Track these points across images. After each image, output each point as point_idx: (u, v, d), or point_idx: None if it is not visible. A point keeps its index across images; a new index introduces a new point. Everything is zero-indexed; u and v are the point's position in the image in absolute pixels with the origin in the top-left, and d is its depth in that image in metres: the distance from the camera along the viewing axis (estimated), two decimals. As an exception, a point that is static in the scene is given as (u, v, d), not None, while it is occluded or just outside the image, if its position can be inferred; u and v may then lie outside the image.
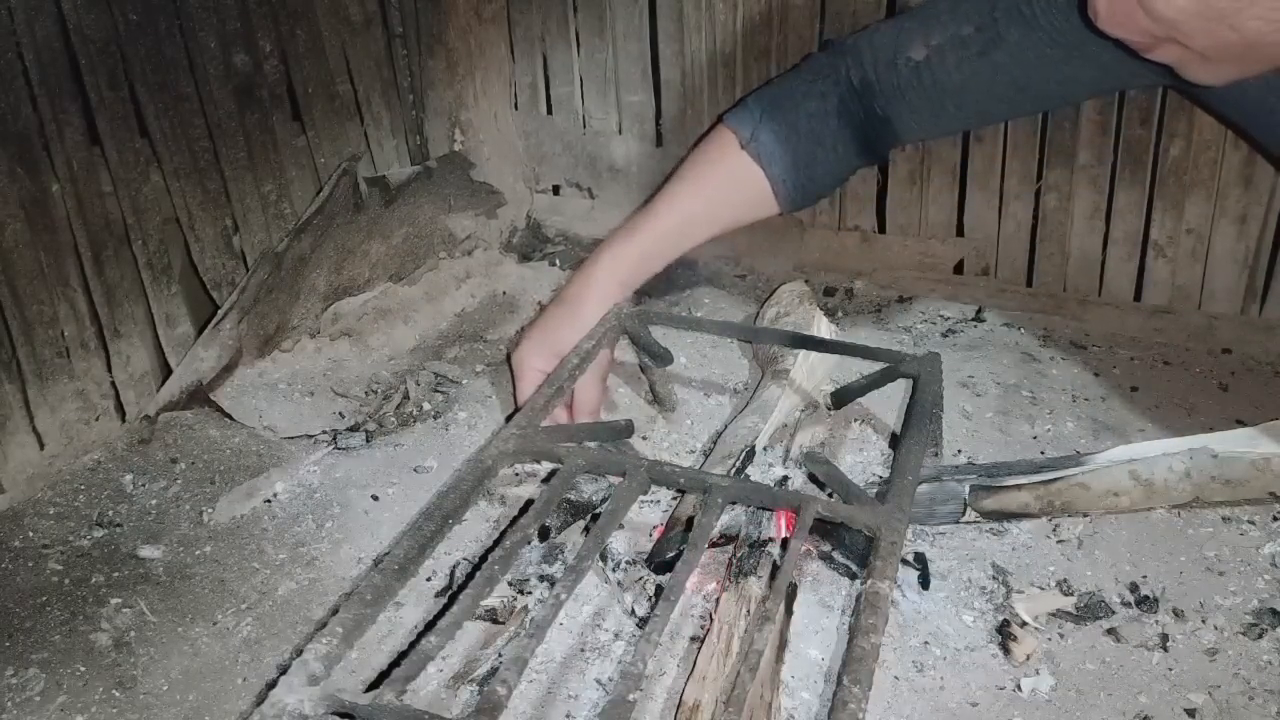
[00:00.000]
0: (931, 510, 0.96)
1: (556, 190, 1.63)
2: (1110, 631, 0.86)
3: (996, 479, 0.97)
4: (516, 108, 1.60)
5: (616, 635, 0.86)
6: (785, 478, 1.03)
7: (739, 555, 0.89)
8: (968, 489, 0.96)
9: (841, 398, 1.08)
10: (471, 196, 1.51)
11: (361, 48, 1.37)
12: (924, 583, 0.90)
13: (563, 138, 1.59)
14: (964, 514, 0.96)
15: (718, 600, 0.85)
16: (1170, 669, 0.83)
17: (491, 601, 0.86)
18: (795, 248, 1.48)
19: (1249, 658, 0.83)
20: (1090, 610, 0.87)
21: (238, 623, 0.90)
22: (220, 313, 1.19)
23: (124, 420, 1.15)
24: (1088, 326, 1.31)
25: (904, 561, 0.91)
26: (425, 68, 1.46)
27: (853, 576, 0.91)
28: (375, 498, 1.05)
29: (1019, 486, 0.96)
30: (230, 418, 1.17)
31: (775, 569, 0.87)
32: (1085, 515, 0.97)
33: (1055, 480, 0.96)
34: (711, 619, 0.84)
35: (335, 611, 0.77)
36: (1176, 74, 0.86)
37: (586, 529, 0.96)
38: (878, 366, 1.07)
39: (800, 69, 1.14)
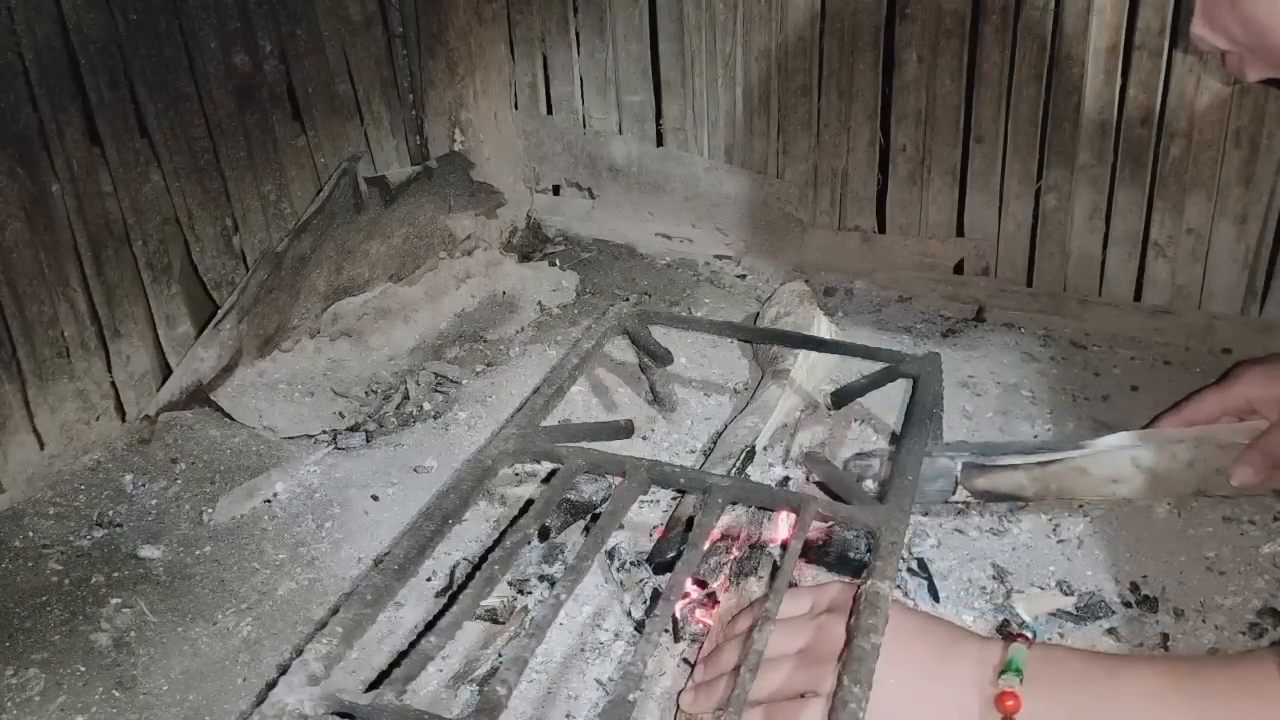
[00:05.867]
0: (920, 488, 0.93)
1: (556, 190, 1.63)
2: (1110, 631, 0.86)
3: (991, 458, 0.96)
4: (516, 108, 1.60)
5: (616, 635, 0.86)
6: (786, 478, 1.03)
7: (739, 555, 0.89)
8: (960, 466, 0.95)
9: (841, 398, 1.08)
10: (471, 196, 1.51)
11: (361, 48, 1.37)
12: (934, 595, 0.89)
13: (563, 138, 1.59)
14: (954, 492, 0.95)
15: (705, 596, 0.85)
16: (1170, 669, 0.82)
17: (491, 601, 0.86)
18: (795, 248, 1.48)
19: (1249, 658, 0.83)
20: (1090, 610, 0.87)
21: (238, 623, 0.90)
22: (220, 313, 1.19)
23: (124, 420, 1.15)
24: (1088, 326, 1.31)
25: (912, 571, 0.91)
26: (425, 68, 1.46)
27: (855, 574, 0.91)
28: (375, 498, 1.05)
29: (1014, 467, 0.95)
30: (230, 418, 1.17)
31: (775, 569, 0.87)
32: (1081, 505, 0.97)
33: (1052, 463, 0.95)
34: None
35: (335, 611, 0.77)
36: None
37: (586, 529, 0.96)
38: (878, 366, 1.07)
39: None
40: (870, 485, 0.96)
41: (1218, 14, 0.71)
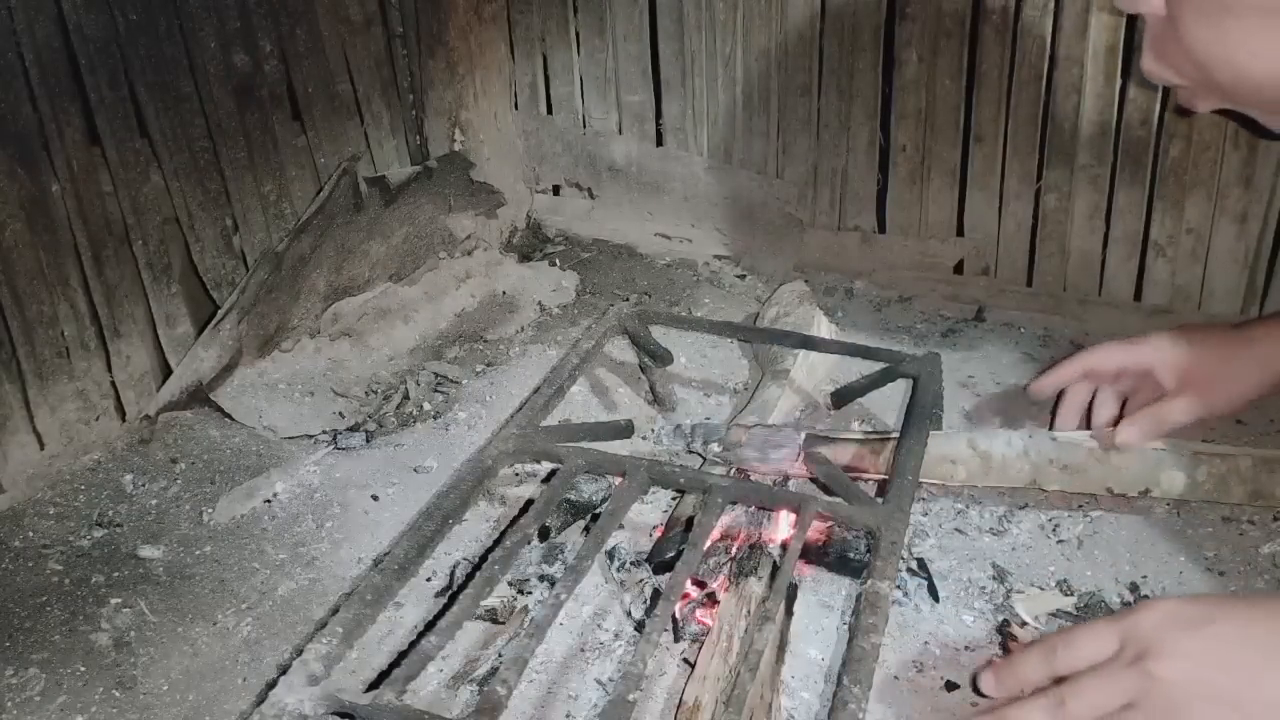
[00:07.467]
0: (765, 454, 0.98)
1: (556, 190, 1.63)
2: (1110, 631, 0.86)
3: (832, 431, 1.00)
4: (516, 108, 1.60)
5: (616, 635, 0.86)
6: (786, 477, 1.03)
7: (739, 555, 0.89)
8: (803, 437, 0.98)
9: (841, 398, 1.08)
10: (471, 196, 1.51)
11: (361, 48, 1.37)
12: (934, 595, 0.89)
13: (563, 138, 1.59)
14: (797, 460, 0.98)
15: (706, 597, 0.85)
16: (1170, 669, 0.82)
17: (491, 601, 0.87)
18: (795, 248, 1.48)
19: (1249, 658, 0.83)
20: (1090, 610, 0.87)
21: (238, 623, 0.90)
22: (220, 313, 1.19)
23: (124, 420, 1.15)
24: (1088, 326, 1.31)
25: (912, 572, 0.91)
26: (425, 68, 1.46)
27: (855, 575, 0.91)
28: (375, 498, 1.05)
29: (853, 440, 0.98)
30: (230, 418, 1.17)
31: (775, 569, 0.87)
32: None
33: (890, 438, 0.97)
34: (711, 619, 0.84)
35: (335, 611, 0.77)
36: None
37: (586, 529, 0.96)
38: (878, 366, 1.07)
39: None
40: (715, 449, 1.00)
41: (1167, 50, 0.75)
